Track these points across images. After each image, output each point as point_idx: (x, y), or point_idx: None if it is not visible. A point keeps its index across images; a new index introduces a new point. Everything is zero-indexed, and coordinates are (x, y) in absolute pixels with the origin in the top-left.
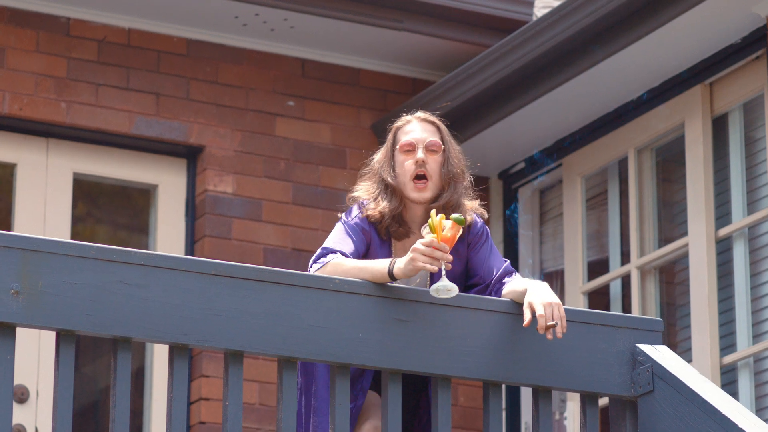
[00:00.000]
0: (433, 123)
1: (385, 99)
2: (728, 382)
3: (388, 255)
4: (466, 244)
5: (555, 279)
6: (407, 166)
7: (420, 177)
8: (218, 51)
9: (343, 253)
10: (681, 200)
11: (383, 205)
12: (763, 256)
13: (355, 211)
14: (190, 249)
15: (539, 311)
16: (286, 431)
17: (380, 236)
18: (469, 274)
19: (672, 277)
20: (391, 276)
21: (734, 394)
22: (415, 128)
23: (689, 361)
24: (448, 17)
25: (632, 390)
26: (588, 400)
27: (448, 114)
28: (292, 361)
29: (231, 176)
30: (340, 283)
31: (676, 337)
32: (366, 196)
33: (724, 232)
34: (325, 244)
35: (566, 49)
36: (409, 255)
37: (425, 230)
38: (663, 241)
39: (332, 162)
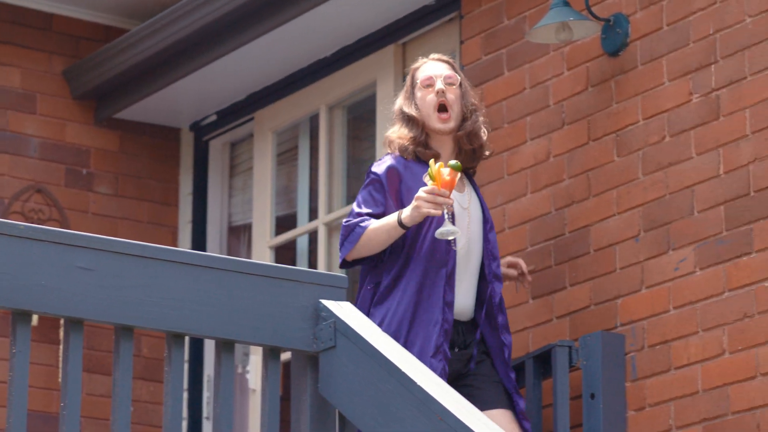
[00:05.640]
0: (446, 62)
1: (77, 46)
2: None
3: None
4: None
5: (243, 233)
6: (429, 99)
7: (442, 109)
8: None
9: (364, 216)
10: (370, 158)
11: (409, 134)
12: None
13: (386, 159)
14: None
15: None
16: None
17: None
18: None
19: None
20: (402, 225)
21: None
22: (432, 65)
23: None
24: None
25: (314, 345)
26: (270, 354)
27: (140, 64)
28: None
29: None
30: (25, 229)
31: None
32: (395, 134)
33: None
34: (354, 206)
35: (261, 3)
36: (414, 203)
37: (426, 178)
38: (351, 198)
39: (21, 107)
